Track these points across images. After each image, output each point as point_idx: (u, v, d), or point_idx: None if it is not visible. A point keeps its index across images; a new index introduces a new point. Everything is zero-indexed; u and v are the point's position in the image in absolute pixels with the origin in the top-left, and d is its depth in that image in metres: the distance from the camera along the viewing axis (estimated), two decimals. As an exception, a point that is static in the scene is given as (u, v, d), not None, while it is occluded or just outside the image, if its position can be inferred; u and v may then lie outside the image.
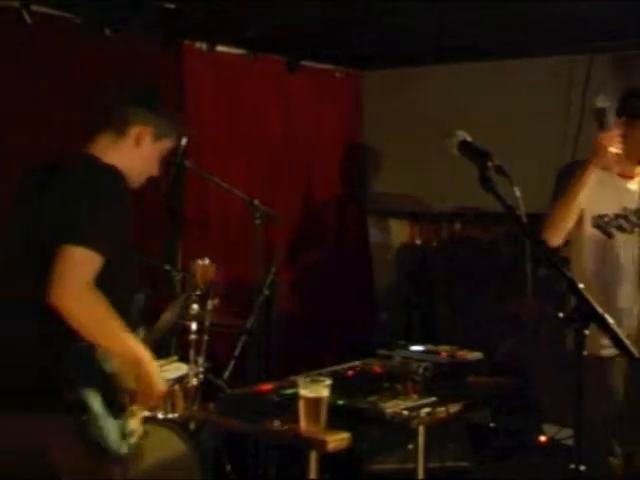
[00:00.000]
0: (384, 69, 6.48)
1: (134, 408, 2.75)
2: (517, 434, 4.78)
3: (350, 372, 3.51)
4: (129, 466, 2.75)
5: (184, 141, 4.51)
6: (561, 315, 2.32)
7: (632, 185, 3.91)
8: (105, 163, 2.78)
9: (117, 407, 2.66)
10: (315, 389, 2.96)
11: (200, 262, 4.16)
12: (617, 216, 3.86)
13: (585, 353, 3.51)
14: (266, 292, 4.85)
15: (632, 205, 3.89)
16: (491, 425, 5.23)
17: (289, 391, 3.16)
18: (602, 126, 3.78)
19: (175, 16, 4.71)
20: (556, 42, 5.43)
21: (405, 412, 3.06)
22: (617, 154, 3.74)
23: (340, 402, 3.10)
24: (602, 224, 3.84)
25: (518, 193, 2.43)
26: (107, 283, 2.58)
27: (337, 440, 2.93)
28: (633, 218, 3.89)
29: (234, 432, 4.30)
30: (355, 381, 3.40)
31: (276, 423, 3.04)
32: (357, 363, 3.66)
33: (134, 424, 2.74)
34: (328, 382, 3.02)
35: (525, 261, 4.30)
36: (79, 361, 2.58)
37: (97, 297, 2.54)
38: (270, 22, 4.99)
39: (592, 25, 4.96)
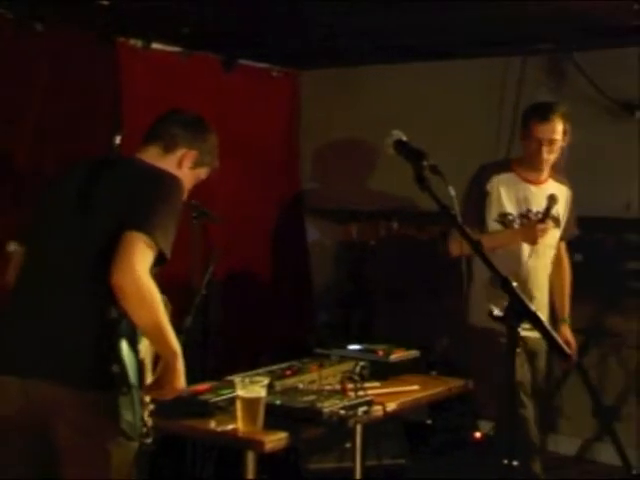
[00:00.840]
0: (322, 68, 6.49)
1: (147, 399, 2.81)
2: (453, 431, 4.83)
3: (288, 372, 3.53)
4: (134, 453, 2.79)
5: (118, 139, 4.49)
6: (496, 313, 2.36)
7: (537, 190, 4.22)
8: (160, 167, 2.89)
9: (142, 390, 2.76)
10: (252, 389, 2.98)
11: None
12: (520, 215, 4.18)
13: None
14: (203, 291, 4.85)
15: (536, 208, 4.19)
16: (428, 422, 5.28)
17: (226, 391, 3.17)
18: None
19: (109, 12, 4.67)
20: (491, 44, 5.48)
21: (342, 411, 3.08)
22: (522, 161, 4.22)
23: (277, 402, 3.11)
24: (505, 221, 4.17)
25: (453, 192, 2.47)
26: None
27: (275, 440, 2.95)
28: (532, 217, 4.19)
29: (171, 434, 4.29)
30: (292, 380, 3.42)
31: (213, 424, 3.05)
32: (294, 362, 3.68)
33: (145, 415, 2.81)
34: (265, 382, 3.04)
35: (461, 259, 4.36)
36: (126, 337, 2.68)
37: (152, 283, 2.61)
38: (205, 19, 4.97)
39: (526, 27, 5.04)
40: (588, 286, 5.32)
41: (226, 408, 3.08)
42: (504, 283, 2.36)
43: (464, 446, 5.15)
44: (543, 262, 4.28)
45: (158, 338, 2.71)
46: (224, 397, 3.14)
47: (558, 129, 4.11)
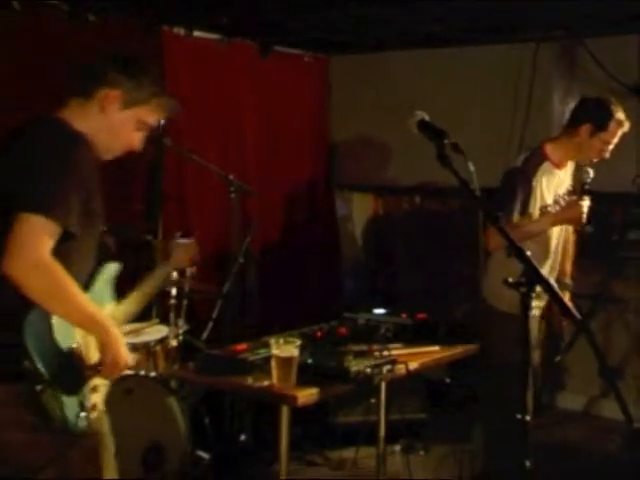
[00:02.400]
0: (350, 54, 6.45)
1: (97, 382, 2.44)
2: (470, 388, 4.83)
3: (319, 333, 3.53)
4: (89, 442, 2.40)
5: (162, 120, 4.48)
6: (510, 280, 2.35)
7: (562, 174, 4.06)
8: (69, 129, 2.38)
9: (76, 381, 2.34)
10: (286, 349, 2.98)
11: (180, 241, 3.64)
12: (554, 202, 4.01)
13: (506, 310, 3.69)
14: (241, 260, 4.86)
15: (561, 190, 4.06)
16: (446, 380, 5.28)
17: (262, 351, 3.18)
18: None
19: (155, 3, 4.66)
20: (507, 31, 5.42)
21: (368, 370, 3.08)
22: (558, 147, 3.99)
23: (309, 361, 3.12)
24: (544, 212, 3.97)
25: (472, 168, 2.44)
26: (67, 254, 2.28)
27: (306, 395, 2.96)
28: (561, 201, 4.05)
29: (212, 389, 4.32)
30: (323, 342, 3.43)
31: (250, 380, 3.06)
32: (325, 325, 3.68)
33: (96, 398, 2.43)
34: (298, 343, 3.04)
35: (479, 231, 4.33)
36: (34, 331, 2.24)
37: (54, 266, 2.21)
38: (243, 9, 4.96)
39: (540, 15, 4.97)
40: (596, 256, 5.31)
41: (262, 366, 3.08)
42: (518, 252, 2.34)
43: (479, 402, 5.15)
44: (564, 234, 4.19)
45: (80, 323, 2.33)
46: (260, 356, 3.14)
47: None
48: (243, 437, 4.67)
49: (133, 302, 2.83)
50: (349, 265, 6.72)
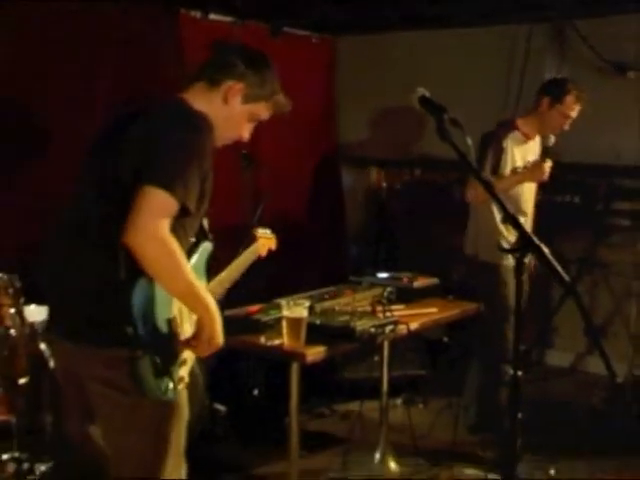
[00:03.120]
0: (356, 35, 6.39)
1: (185, 356, 2.37)
2: (466, 347, 4.83)
3: (326, 296, 3.52)
4: (173, 412, 2.31)
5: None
6: (505, 246, 2.33)
7: (531, 144, 4.27)
8: (197, 111, 2.30)
9: (171, 352, 2.28)
10: (296, 310, 2.98)
11: (265, 231, 3.69)
12: (524, 167, 4.18)
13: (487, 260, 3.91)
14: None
15: (531, 159, 4.23)
16: (445, 340, 5.28)
17: (274, 312, 3.17)
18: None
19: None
20: (502, 14, 5.39)
21: (372, 329, 3.08)
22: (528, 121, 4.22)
23: (317, 321, 3.11)
24: (515, 172, 4.17)
25: (470, 142, 2.41)
26: (177, 229, 2.19)
27: (315, 353, 2.96)
28: (529, 166, 4.23)
29: (227, 348, 4.32)
30: (330, 303, 3.42)
31: (263, 339, 3.06)
32: (332, 288, 3.67)
33: (184, 371, 2.36)
34: (307, 304, 3.04)
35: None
36: (141, 302, 2.18)
37: (170, 240, 2.12)
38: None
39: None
40: (583, 224, 5.29)
41: (274, 326, 3.09)
42: (513, 219, 2.32)
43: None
44: (533, 196, 4.32)
45: (185, 298, 2.25)
46: (272, 317, 3.15)
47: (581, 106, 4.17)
48: (256, 391, 4.68)
49: (221, 282, 2.82)
50: (354, 232, 6.72)
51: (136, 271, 2.15)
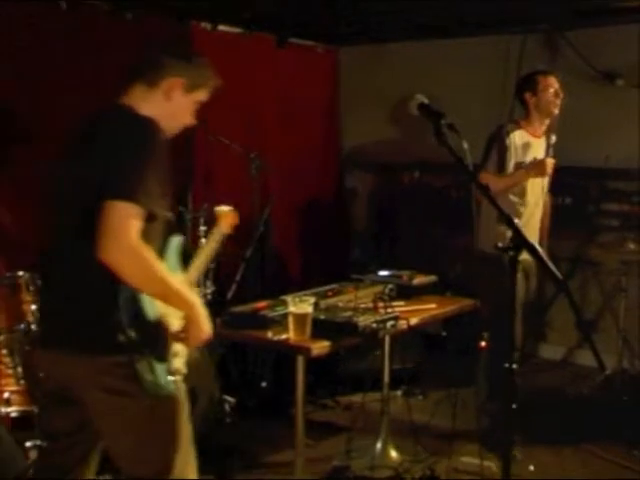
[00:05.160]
0: (358, 45, 6.39)
1: (177, 348, 2.33)
2: (463, 341, 4.82)
3: (330, 293, 3.52)
4: (177, 406, 2.31)
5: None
6: (500, 245, 2.33)
7: (539, 142, 4.23)
8: (140, 114, 2.26)
9: (164, 348, 2.25)
10: (302, 306, 2.98)
11: (223, 208, 3.69)
12: (531, 163, 4.18)
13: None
14: (261, 228, 4.85)
15: (539, 156, 4.21)
16: (443, 334, 5.27)
17: (280, 308, 3.17)
18: None
19: (184, 1, 4.62)
20: (496, 24, 5.39)
21: (374, 325, 3.08)
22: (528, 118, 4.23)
23: (322, 317, 3.11)
24: (519, 168, 4.17)
25: (466, 146, 2.41)
26: (147, 234, 2.15)
27: (319, 347, 2.96)
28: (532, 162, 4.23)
29: (237, 342, 4.32)
30: (334, 300, 3.42)
31: (270, 334, 3.06)
32: (335, 285, 3.67)
33: (178, 363, 2.32)
34: (312, 301, 3.04)
35: (471, 202, 4.31)
36: (127, 306, 2.16)
37: (145, 250, 2.09)
38: (262, 5, 4.92)
39: (526, 9, 4.94)
40: (575, 224, 5.29)
41: (280, 321, 3.09)
42: (508, 220, 2.32)
43: (472, 353, 5.15)
44: (538, 207, 4.29)
45: (168, 299, 2.20)
46: (279, 313, 3.14)
47: (557, 81, 4.17)
48: (264, 384, 4.68)
49: (196, 268, 2.73)
50: (356, 232, 6.72)
51: (118, 280, 2.12)
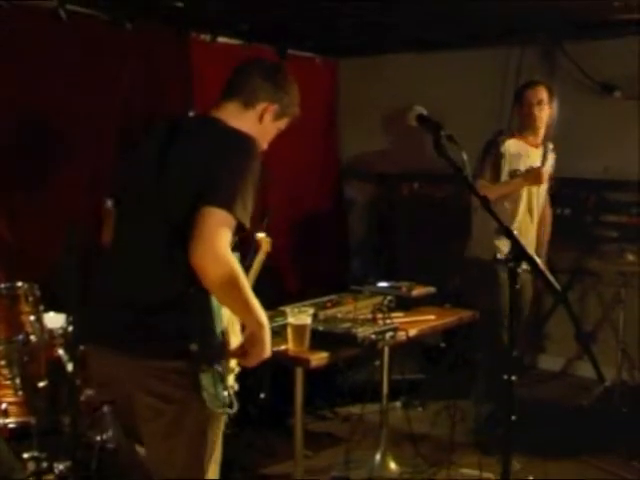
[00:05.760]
0: (356, 57, 6.40)
1: (233, 364, 2.35)
2: (462, 352, 4.82)
3: (329, 304, 3.52)
4: (217, 418, 2.29)
5: (191, 114, 4.44)
6: (499, 256, 2.33)
7: (535, 151, 4.27)
8: (243, 131, 2.30)
9: (225, 362, 2.27)
10: (300, 317, 2.97)
11: (261, 235, 3.46)
12: (526, 172, 4.20)
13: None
14: (260, 239, 4.83)
15: (536, 165, 4.23)
16: (442, 345, 5.27)
17: (279, 319, 3.17)
18: None
19: (184, 12, 4.63)
20: (495, 36, 5.40)
21: (373, 336, 3.07)
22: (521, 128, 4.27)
23: (321, 328, 3.11)
24: (514, 175, 4.20)
25: (465, 157, 2.41)
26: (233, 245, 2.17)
27: (318, 358, 2.95)
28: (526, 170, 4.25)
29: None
30: (333, 311, 3.41)
31: (269, 345, 3.05)
32: (334, 296, 3.66)
33: (231, 380, 2.34)
34: (311, 312, 3.03)
35: (469, 213, 4.33)
36: (201, 315, 2.17)
37: (233, 259, 2.11)
38: (261, 18, 4.93)
39: (524, 22, 4.96)
40: (574, 235, 5.29)
41: (279, 332, 3.08)
42: (506, 231, 2.32)
43: (470, 364, 5.14)
44: (533, 217, 4.30)
45: (244, 313, 2.23)
46: (278, 324, 3.13)
47: (543, 93, 4.18)
48: (263, 395, 4.67)
49: None
50: (356, 243, 6.71)
51: (198, 287, 2.12)
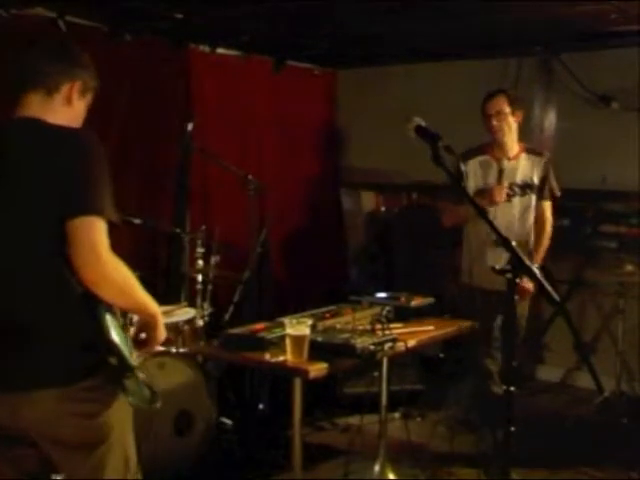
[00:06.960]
0: (355, 68, 6.42)
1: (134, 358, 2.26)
2: (461, 362, 4.81)
3: (327, 314, 3.51)
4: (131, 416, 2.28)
5: (190, 126, 4.46)
6: (497, 267, 2.33)
7: (511, 164, 4.14)
8: (65, 127, 2.20)
9: (130, 358, 2.17)
10: (299, 328, 2.96)
11: None
12: (479, 191, 4.07)
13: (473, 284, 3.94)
14: (259, 250, 4.84)
15: (515, 179, 4.13)
16: (441, 356, 5.26)
17: (278, 330, 3.16)
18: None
19: (183, 24, 4.65)
20: (492, 48, 5.43)
21: (372, 347, 3.06)
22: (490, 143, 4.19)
23: (319, 339, 3.10)
24: (479, 194, 4.04)
25: (463, 168, 2.43)
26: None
27: (317, 369, 2.94)
28: (516, 189, 4.15)
29: (234, 364, 4.31)
30: (331, 322, 3.40)
31: (267, 356, 3.04)
32: (333, 307, 3.66)
33: (142, 375, 2.26)
34: (309, 322, 3.03)
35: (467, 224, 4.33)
36: (112, 326, 2.11)
37: (121, 264, 2.07)
38: (260, 29, 4.95)
39: (521, 34, 4.99)
40: (572, 245, 5.29)
41: (278, 343, 3.07)
42: (505, 242, 2.32)
43: (469, 374, 5.14)
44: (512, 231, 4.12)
45: (138, 310, 2.22)
46: (276, 334, 3.13)
47: (501, 103, 4.11)
48: (261, 406, 4.66)
49: None
50: (354, 254, 6.71)
51: (90, 299, 2.07)
